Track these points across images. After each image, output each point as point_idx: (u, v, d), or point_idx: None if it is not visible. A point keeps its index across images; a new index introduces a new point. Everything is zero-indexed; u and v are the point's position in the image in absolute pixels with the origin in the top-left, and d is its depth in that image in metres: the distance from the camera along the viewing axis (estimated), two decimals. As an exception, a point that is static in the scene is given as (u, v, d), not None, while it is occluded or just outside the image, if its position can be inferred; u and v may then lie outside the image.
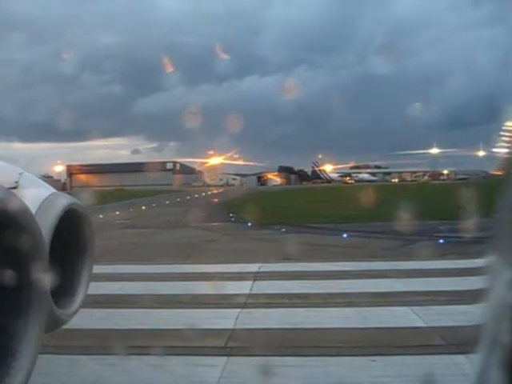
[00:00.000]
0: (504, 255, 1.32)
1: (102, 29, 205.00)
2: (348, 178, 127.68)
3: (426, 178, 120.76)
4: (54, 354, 5.85)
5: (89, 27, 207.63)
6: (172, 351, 6.55)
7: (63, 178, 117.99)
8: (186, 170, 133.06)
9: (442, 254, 14.04)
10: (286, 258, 14.20)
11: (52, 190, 4.70)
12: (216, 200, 55.33)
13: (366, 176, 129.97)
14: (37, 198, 4.16)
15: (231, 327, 7.66)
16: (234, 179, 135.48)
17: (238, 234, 21.66)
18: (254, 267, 12.39)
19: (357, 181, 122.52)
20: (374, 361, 6.21)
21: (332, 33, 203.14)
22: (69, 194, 5.11)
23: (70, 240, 4.63)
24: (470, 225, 13.38)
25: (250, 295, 9.64)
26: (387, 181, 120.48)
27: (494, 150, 77.65)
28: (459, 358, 5.86)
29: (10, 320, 3.14)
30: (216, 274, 11.70)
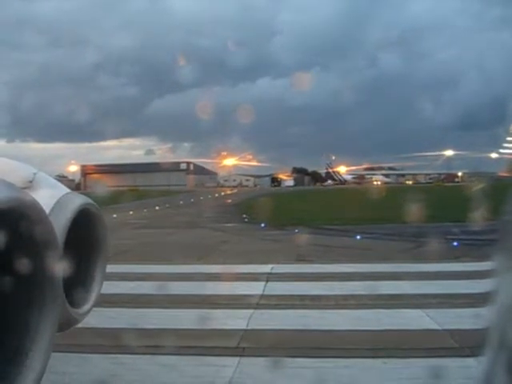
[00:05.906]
0: (510, 258, 1.31)
1: (119, 32, 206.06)
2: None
3: (442, 179, 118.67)
4: (67, 352, 5.89)
5: (105, 30, 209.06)
6: (184, 351, 6.59)
7: (77, 177, 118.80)
8: (200, 170, 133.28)
9: (455, 257, 13.93)
10: (299, 260, 14.20)
11: (66, 189, 4.72)
12: (229, 201, 55.36)
13: (379, 177, 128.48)
14: (51, 198, 4.19)
15: (244, 328, 7.67)
16: (248, 180, 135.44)
17: (251, 235, 21.65)
18: (266, 268, 12.40)
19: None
20: (385, 363, 6.19)
21: (345, 35, 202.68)
22: (83, 193, 5.13)
23: (84, 239, 4.65)
24: (482, 227, 13.27)
25: (262, 296, 9.65)
26: (401, 183, 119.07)
27: (502, 151, 76.56)
28: (472, 361, 5.81)
29: (22, 318, 3.16)
30: (229, 275, 11.72)
